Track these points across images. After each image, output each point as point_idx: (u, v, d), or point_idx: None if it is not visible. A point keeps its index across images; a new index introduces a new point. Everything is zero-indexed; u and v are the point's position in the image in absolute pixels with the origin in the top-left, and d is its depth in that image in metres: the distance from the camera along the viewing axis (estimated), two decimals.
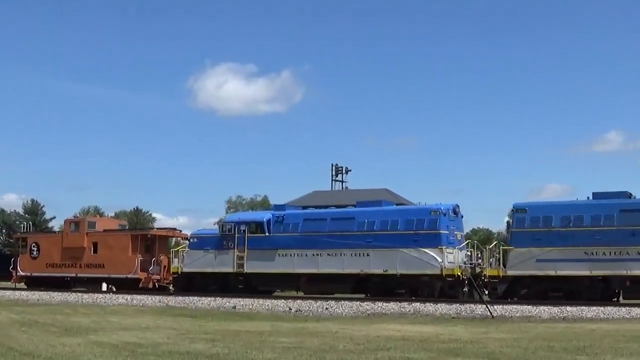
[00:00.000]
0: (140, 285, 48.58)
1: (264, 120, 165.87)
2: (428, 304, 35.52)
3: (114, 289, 49.76)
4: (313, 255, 42.39)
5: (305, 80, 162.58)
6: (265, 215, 45.05)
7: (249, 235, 44.30)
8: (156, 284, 48.56)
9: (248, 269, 44.32)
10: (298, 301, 38.63)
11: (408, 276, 39.58)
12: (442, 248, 39.31)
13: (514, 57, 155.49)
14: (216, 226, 47.37)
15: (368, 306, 35.18)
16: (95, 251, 50.59)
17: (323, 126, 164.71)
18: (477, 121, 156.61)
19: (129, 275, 49.24)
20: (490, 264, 39.03)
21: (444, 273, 38.31)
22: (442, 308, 34.92)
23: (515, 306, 34.48)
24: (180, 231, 51.72)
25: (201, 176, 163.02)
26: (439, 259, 39.08)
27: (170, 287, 48.28)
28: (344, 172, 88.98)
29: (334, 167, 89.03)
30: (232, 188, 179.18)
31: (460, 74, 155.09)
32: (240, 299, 39.00)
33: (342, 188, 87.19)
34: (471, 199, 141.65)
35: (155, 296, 41.92)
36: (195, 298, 40.05)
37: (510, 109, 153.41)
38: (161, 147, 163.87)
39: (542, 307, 34.19)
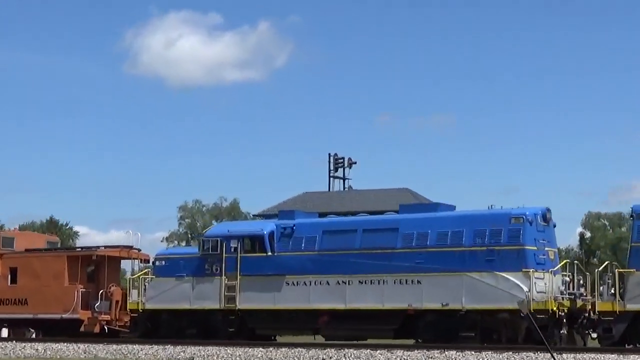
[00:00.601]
0: (82, 328, 38.60)
1: (233, 93, 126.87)
2: (508, 353, 27.72)
3: (34, 335, 40.34)
4: (338, 283, 33.33)
5: (291, 36, 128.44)
6: (265, 226, 34.87)
7: (243, 255, 34.57)
8: (105, 328, 38.52)
9: (242, 304, 34.51)
10: (314, 351, 29.73)
11: (479, 312, 31.56)
12: (528, 271, 30.96)
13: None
14: (193, 243, 36.22)
15: (418, 357, 27.97)
16: (13, 280, 40.56)
17: (316, 101, 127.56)
18: (538, 95, 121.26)
19: (64, 315, 38.70)
20: (601, 295, 31.37)
21: (531, 308, 30.00)
22: None
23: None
24: (139, 250, 40.72)
25: (142, 174, 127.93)
26: (525, 288, 30.90)
27: (126, 331, 38.27)
28: (345, 165, 73.73)
29: (332, 159, 73.49)
30: (186, 190, 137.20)
31: (518, 32, 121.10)
32: (206, 348, 31.28)
33: (344, 188, 73.03)
34: (529, 202, 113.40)
35: (80, 344, 34.24)
36: (138, 346, 32.69)
37: (585, 79, 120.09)
38: (83, 134, 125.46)
39: None
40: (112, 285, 38.96)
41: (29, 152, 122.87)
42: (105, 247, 40.08)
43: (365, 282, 32.70)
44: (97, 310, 38.43)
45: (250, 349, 30.51)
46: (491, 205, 33.95)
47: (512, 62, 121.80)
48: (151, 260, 37.83)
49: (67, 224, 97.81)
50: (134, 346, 32.95)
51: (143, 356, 31.40)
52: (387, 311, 32.34)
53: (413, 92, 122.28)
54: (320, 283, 33.31)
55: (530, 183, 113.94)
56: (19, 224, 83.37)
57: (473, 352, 28.04)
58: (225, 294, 34.54)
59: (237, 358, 29.79)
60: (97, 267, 39.94)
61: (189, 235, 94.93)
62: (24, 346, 34.60)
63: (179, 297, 35.49)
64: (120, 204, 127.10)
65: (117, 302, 38.42)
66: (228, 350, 30.72)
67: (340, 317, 33.01)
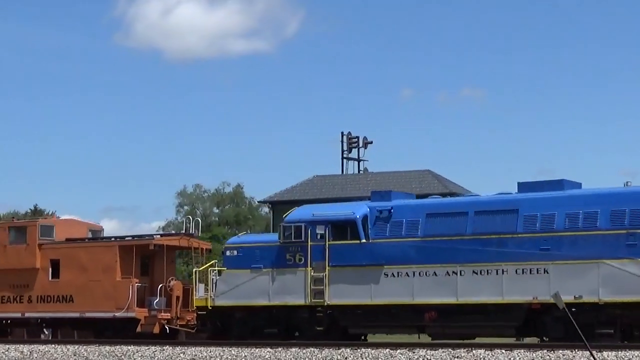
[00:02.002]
0: (139, 328, 34.58)
1: (237, 66, 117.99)
2: (542, 352, 25.45)
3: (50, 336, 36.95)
4: (447, 274, 29.41)
5: (303, 1, 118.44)
6: (358, 210, 30.80)
7: (332, 242, 30.69)
8: (166, 327, 34.32)
9: (332, 299, 30.59)
10: (327, 351, 27.35)
11: (619, 306, 27.75)
12: None
13: None
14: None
15: (443, 356, 25.95)
16: (55, 275, 36.41)
17: (330, 75, 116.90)
18: (576, 67, 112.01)
19: (117, 314, 34.80)
20: None
21: None
22: None
23: None
24: (199, 238, 36.45)
25: (136, 157, 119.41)
26: None
27: (192, 330, 34.34)
28: (360, 145, 69.89)
29: (345, 138, 69.50)
30: (185, 175, 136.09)
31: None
32: (208, 349, 29.04)
33: (359, 170, 69.19)
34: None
35: (69, 345, 31.87)
36: (133, 348, 30.50)
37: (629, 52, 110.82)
38: (69, 113, 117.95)
39: None
40: (172, 279, 34.88)
41: (7, 135, 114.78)
42: (162, 235, 35.73)
43: (481, 273, 28.70)
44: (155, 307, 34.35)
45: (258, 350, 28.32)
46: (627, 182, 29.77)
47: (553, 31, 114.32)
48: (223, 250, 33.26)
49: (53, 214, 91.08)
50: (129, 347, 30.82)
51: (139, 358, 29.64)
52: (507, 305, 28.50)
53: (439, 63, 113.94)
54: (426, 274, 29.32)
55: (567, 164, 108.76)
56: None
57: (503, 351, 25.73)
58: (312, 287, 30.59)
59: (243, 359, 28.07)
60: (151, 259, 35.91)
61: (187, 224, 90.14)
62: (8, 348, 32.61)
63: (256, 292, 31.49)
64: (113, 190, 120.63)
65: (177, 297, 34.44)
66: (232, 351, 28.71)
67: (450, 312, 29.12)
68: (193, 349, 29.42)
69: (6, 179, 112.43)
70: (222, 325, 32.07)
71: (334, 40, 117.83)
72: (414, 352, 26.48)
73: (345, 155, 69.82)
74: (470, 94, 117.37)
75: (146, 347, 30.46)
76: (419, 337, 30.18)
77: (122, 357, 29.89)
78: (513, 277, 28.26)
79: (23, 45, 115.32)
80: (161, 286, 34.46)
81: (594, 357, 22.96)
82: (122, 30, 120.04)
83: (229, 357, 28.27)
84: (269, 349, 28.28)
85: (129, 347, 30.67)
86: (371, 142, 71.04)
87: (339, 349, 27.49)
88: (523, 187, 29.51)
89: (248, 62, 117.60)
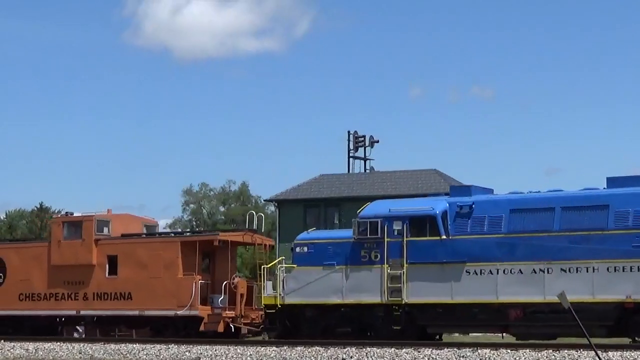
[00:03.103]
0: (202, 327, 33.14)
1: (247, 66, 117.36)
2: (547, 351, 25.23)
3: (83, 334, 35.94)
4: (534, 271, 28.28)
5: (313, 1, 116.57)
6: (437, 205, 29.68)
7: (410, 238, 29.57)
8: (231, 326, 32.99)
9: (410, 297, 29.54)
10: (332, 350, 27.02)
11: None
12: None
13: None
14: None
15: (449, 356, 25.52)
16: (112, 271, 35.00)
17: (339, 74, 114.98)
18: (585, 67, 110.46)
19: (179, 312, 33.59)
20: None
21: None
22: None
23: None
24: (262, 234, 35.08)
25: (143, 155, 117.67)
26: None
27: (256, 329, 33.39)
28: (367, 144, 68.77)
29: (352, 137, 68.34)
30: (191, 174, 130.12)
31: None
32: (213, 348, 28.80)
33: (365, 169, 68.28)
34: (573, 184, 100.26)
35: (74, 343, 31.47)
36: (138, 346, 30.21)
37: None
38: (77, 112, 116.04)
39: None
40: (236, 276, 33.63)
41: (14, 133, 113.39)
42: (224, 231, 34.41)
43: (570, 270, 27.67)
44: (220, 305, 33.00)
45: (263, 348, 28.11)
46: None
47: (561, 32, 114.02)
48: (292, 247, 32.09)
49: (59, 212, 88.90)
50: (134, 345, 30.47)
51: (144, 356, 29.32)
52: (598, 304, 27.40)
53: (449, 62, 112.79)
54: (511, 271, 28.20)
55: (575, 164, 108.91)
56: (4, 210, 76.62)
57: (509, 351, 25.43)
58: (388, 285, 29.43)
59: (248, 358, 27.70)
60: (213, 255, 34.58)
61: (194, 223, 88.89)
62: (13, 346, 32.21)
63: (328, 290, 30.34)
64: (120, 188, 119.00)
65: (241, 295, 33.17)
66: (238, 350, 28.37)
67: (537, 311, 28.03)
68: (198, 347, 29.03)
69: (13, 177, 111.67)
70: (292, 324, 30.98)
71: (343, 39, 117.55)
72: (419, 352, 26.04)
73: (351, 154, 68.77)
74: (479, 92, 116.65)
75: (151, 346, 30.06)
76: (502, 337, 29.19)
77: (128, 355, 29.52)
78: (604, 274, 27.27)
79: (31, 43, 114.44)
80: (226, 283, 33.22)
81: (599, 357, 22.45)
82: (132, 29, 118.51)
83: (234, 356, 27.75)
84: (274, 348, 27.93)
85: (134, 345, 30.22)
86: (377, 141, 70.12)
87: (344, 348, 27.06)
88: (612, 182, 28.51)
89: (257, 61, 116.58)
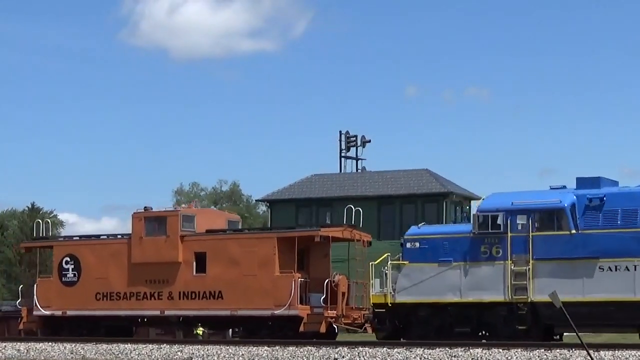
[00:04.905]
0: (302, 328, 31.54)
1: (243, 66, 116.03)
2: (539, 350, 25.53)
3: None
4: None
5: (309, 1, 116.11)
6: (565, 197, 28.40)
7: (536, 233, 28.44)
8: (335, 326, 31.57)
9: (536, 295, 28.30)
10: (324, 350, 27.21)
11: None
12: None
13: None
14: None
15: (441, 356, 26.00)
16: (200, 269, 33.37)
17: (335, 74, 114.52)
18: (580, 67, 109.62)
19: (277, 312, 32.05)
20: None
21: None
22: None
23: None
24: (360, 231, 33.26)
25: (136, 154, 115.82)
26: None
27: (359, 330, 32.02)
28: (358, 144, 68.49)
29: (343, 137, 68.02)
30: (184, 173, 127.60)
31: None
32: (205, 347, 29.02)
33: (357, 169, 68.02)
34: (568, 185, 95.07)
35: (66, 344, 31.30)
36: (130, 346, 30.33)
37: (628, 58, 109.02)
38: (70, 112, 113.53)
39: None
40: (337, 274, 32.07)
41: (6, 132, 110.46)
42: (323, 226, 32.90)
43: None
44: (322, 304, 31.44)
45: (255, 348, 28.10)
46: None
47: (557, 34, 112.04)
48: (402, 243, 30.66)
49: (51, 212, 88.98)
50: (126, 345, 30.60)
51: (136, 356, 29.49)
52: None
53: (445, 62, 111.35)
54: None
55: (569, 164, 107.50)
56: None
57: (500, 350, 25.51)
58: (512, 282, 28.20)
59: (240, 358, 27.88)
60: (306, 251, 33.14)
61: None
62: (5, 346, 32.13)
63: (444, 288, 29.15)
64: (113, 188, 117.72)
65: (343, 294, 31.71)
66: (230, 350, 28.53)
67: None
68: (190, 347, 29.06)
69: (4, 176, 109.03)
70: (402, 324, 29.69)
71: (339, 40, 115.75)
72: (411, 351, 26.03)
73: (343, 154, 68.54)
74: (475, 93, 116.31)
75: (143, 345, 30.02)
76: (639, 337, 28.03)
77: (120, 355, 29.58)
78: None
79: (26, 43, 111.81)
80: (327, 281, 31.67)
81: (591, 357, 22.35)
82: (128, 29, 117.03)
83: (226, 356, 27.82)
84: (266, 348, 27.95)
85: (126, 346, 30.19)
86: (369, 141, 69.71)
87: (336, 348, 26.98)
88: None
89: (252, 62, 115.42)
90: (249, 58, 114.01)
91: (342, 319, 31.41)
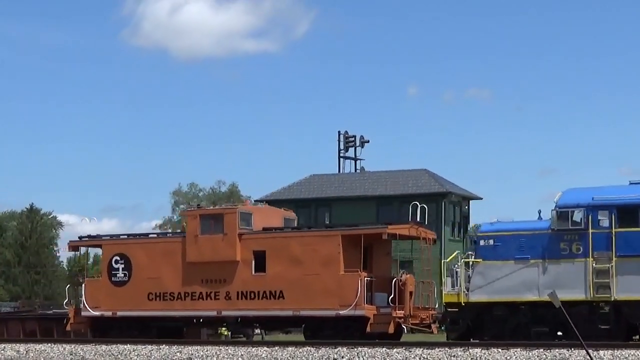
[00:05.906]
0: (369, 328, 30.42)
1: (244, 66, 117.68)
2: (538, 350, 25.86)
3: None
4: None
5: (310, 2, 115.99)
6: None
7: (619, 229, 27.86)
8: (403, 327, 30.54)
9: (620, 293, 27.78)
10: (324, 350, 27.38)
11: None
12: None
13: None
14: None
15: (440, 356, 26.17)
16: (259, 268, 32.65)
17: (336, 75, 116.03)
18: (580, 69, 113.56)
19: (342, 312, 30.93)
20: None
21: None
22: None
23: None
24: (426, 228, 32.47)
25: (136, 155, 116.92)
26: None
27: (428, 330, 31.09)
28: (357, 144, 69.37)
29: (342, 137, 68.80)
30: (183, 174, 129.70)
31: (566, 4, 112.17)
32: (204, 348, 29.20)
33: (356, 169, 68.84)
34: (568, 185, 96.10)
35: (65, 345, 31.46)
36: (130, 347, 30.42)
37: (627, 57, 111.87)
38: (69, 112, 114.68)
39: None
40: (404, 272, 31.09)
41: (6, 133, 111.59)
42: (390, 223, 31.85)
43: None
44: (390, 304, 30.40)
45: (254, 349, 28.29)
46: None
47: (558, 35, 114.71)
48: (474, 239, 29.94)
49: (50, 213, 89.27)
50: (125, 346, 30.64)
51: (135, 357, 29.53)
52: None
53: (447, 63, 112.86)
54: None
55: (569, 164, 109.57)
56: None
57: (500, 350, 25.64)
58: (594, 280, 27.72)
59: (240, 358, 28.02)
60: (369, 249, 32.03)
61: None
62: (4, 347, 32.24)
63: (521, 286, 28.53)
64: (112, 190, 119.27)
65: (410, 293, 30.73)
66: (229, 350, 28.69)
67: None
68: (189, 348, 29.13)
69: (3, 178, 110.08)
70: (475, 324, 29.05)
71: (341, 41, 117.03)
72: (410, 351, 26.08)
73: (342, 154, 69.48)
74: (476, 93, 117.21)
75: (142, 346, 30.00)
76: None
77: (119, 356, 29.60)
78: None
79: (27, 43, 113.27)
80: (395, 280, 30.63)
81: (590, 356, 22.46)
82: (130, 29, 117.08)
83: (226, 356, 27.87)
84: (265, 348, 28.08)
85: (126, 346, 30.20)
86: (368, 141, 70.87)
87: (335, 348, 27.06)
88: None
89: (253, 62, 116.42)
90: (250, 59, 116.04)
91: (410, 319, 30.55)
